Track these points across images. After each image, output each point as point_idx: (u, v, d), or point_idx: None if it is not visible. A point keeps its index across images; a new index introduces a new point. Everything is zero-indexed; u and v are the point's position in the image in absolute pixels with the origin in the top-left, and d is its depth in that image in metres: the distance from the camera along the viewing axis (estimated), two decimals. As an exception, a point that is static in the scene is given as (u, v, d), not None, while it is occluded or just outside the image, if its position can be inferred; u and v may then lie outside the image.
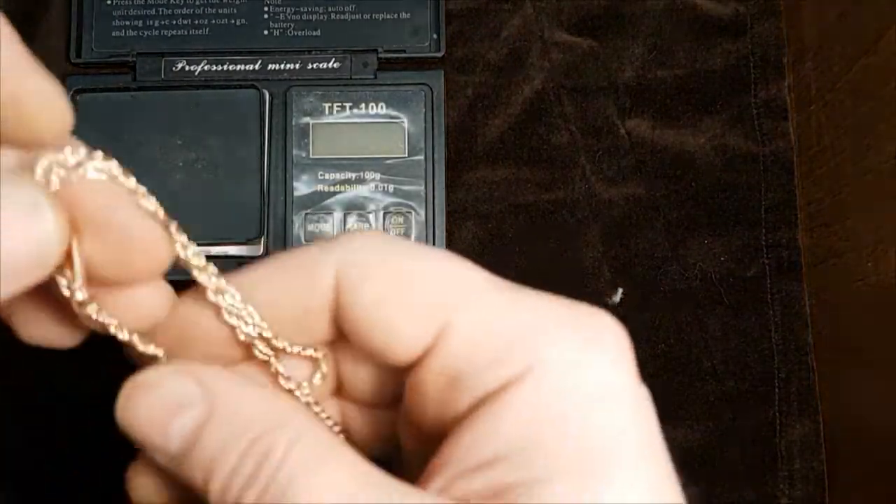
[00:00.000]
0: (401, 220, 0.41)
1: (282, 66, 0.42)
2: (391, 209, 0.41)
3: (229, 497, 0.18)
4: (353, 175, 0.41)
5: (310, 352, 0.21)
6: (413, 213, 0.41)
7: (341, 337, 0.21)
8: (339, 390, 0.23)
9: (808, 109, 0.43)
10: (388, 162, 0.41)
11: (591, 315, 0.19)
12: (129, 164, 0.43)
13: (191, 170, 0.40)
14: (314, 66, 0.42)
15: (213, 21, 0.42)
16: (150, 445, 0.19)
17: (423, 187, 0.41)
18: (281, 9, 0.43)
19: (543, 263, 0.42)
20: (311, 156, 0.41)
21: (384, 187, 0.41)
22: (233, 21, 0.42)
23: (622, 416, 0.18)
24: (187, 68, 0.42)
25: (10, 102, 0.17)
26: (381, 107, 0.42)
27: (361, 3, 0.43)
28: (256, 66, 0.42)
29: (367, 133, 0.41)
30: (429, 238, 0.41)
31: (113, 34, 0.42)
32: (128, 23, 0.42)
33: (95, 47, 0.42)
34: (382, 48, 0.42)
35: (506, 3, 0.45)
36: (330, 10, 0.43)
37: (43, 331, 0.20)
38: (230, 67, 0.42)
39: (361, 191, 0.41)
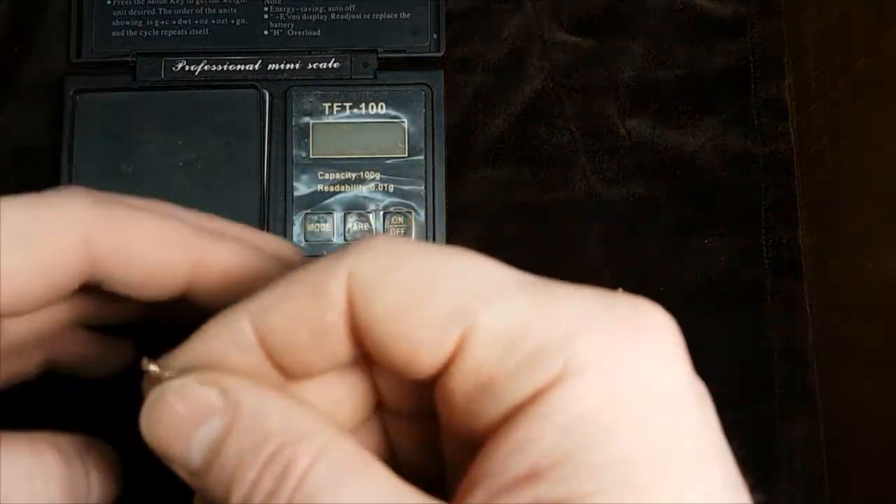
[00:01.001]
0: (401, 219, 0.41)
1: (282, 66, 0.42)
2: (391, 209, 0.41)
3: None
4: (353, 175, 0.41)
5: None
6: (413, 213, 0.41)
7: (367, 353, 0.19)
8: (381, 405, 0.21)
9: (808, 109, 0.43)
10: (388, 162, 0.41)
11: (632, 307, 0.18)
12: (129, 164, 0.44)
13: (191, 170, 0.40)
14: (314, 66, 0.42)
15: (213, 21, 0.42)
16: (172, 460, 0.18)
17: (423, 187, 0.41)
18: (281, 9, 0.43)
19: (543, 263, 0.42)
20: (311, 156, 0.41)
21: (384, 187, 0.41)
22: (233, 21, 0.42)
23: (675, 417, 0.17)
24: (187, 68, 0.42)
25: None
26: (381, 107, 0.42)
27: (361, 3, 0.43)
28: (256, 66, 0.42)
29: (367, 133, 0.41)
30: (429, 238, 0.41)
31: (113, 34, 0.42)
32: (128, 23, 0.42)
33: (95, 47, 0.42)
34: (382, 48, 0.42)
35: (506, 3, 0.45)
36: (330, 10, 0.43)
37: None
38: (230, 67, 0.42)
39: (361, 191, 0.41)
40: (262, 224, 0.40)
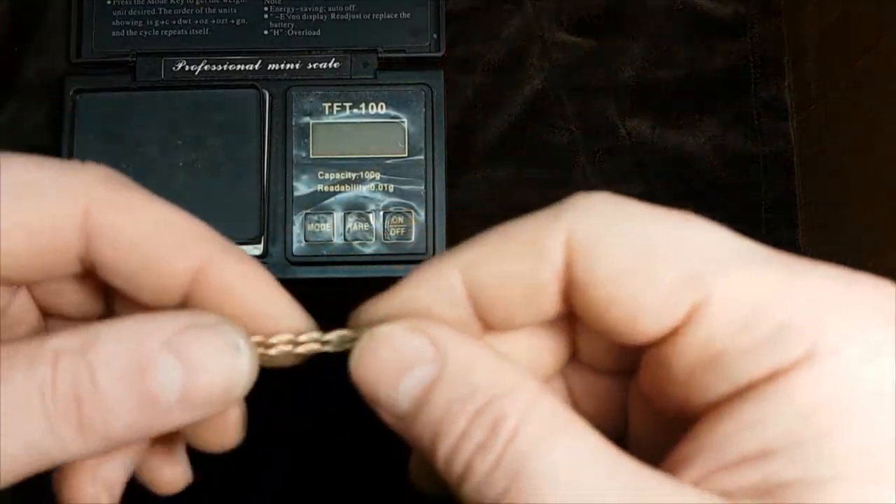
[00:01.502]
0: (401, 219, 0.41)
1: (282, 66, 0.42)
2: (391, 209, 0.41)
3: (458, 462, 0.17)
4: (353, 175, 0.41)
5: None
6: (413, 212, 0.41)
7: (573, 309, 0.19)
8: (574, 357, 0.21)
9: (808, 109, 0.43)
10: (388, 162, 0.41)
11: (877, 289, 0.17)
12: (129, 164, 0.44)
13: (191, 170, 0.40)
14: (314, 66, 0.42)
15: (213, 21, 0.42)
16: (379, 402, 0.18)
17: (423, 187, 0.41)
18: (281, 9, 0.43)
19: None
20: (311, 156, 0.41)
21: (384, 187, 0.41)
22: (233, 21, 0.42)
23: None
24: (187, 68, 0.42)
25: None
26: (381, 107, 0.42)
27: (361, 3, 0.43)
28: (256, 66, 0.42)
29: (367, 133, 0.41)
30: (429, 238, 0.41)
31: (113, 34, 0.42)
32: (128, 23, 0.42)
33: (95, 47, 0.42)
34: (382, 48, 0.42)
35: (506, 3, 0.45)
36: (330, 10, 0.43)
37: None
38: (230, 67, 0.42)
39: (361, 191, 0.41)
40: (262, 224, 0.40)
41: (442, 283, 0.19)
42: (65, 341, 0.17)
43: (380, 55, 0.42)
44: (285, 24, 0.42)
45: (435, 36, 0.43)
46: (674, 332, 0.17)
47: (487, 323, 0.20)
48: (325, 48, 0.42)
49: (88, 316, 0.23)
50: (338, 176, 0.41)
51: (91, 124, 0.41)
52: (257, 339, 0.20)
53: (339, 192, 0.41)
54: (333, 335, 0.20)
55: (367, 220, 0.41)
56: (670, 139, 0.43)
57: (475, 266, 0.19)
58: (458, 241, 0.45)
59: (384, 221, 0.41)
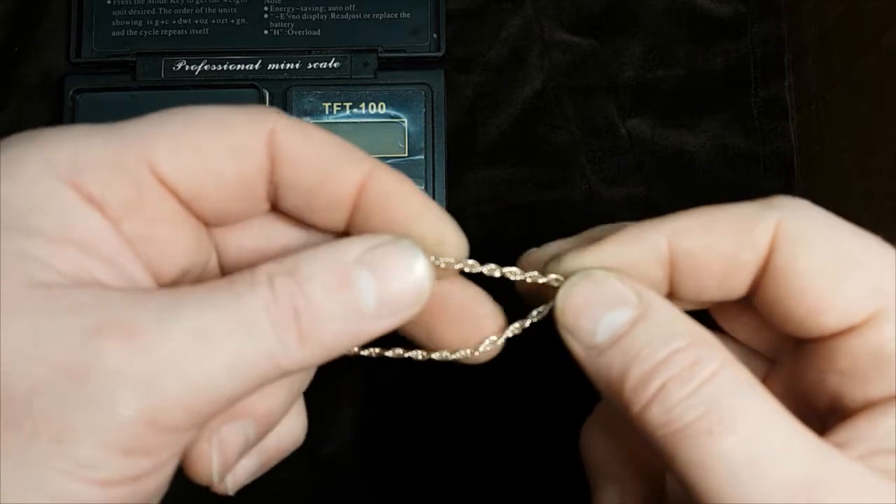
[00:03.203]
0: (401, 220, 0.41)
1: (282, 65, 0.42)
2: (391, 209, 0.41)
3: (652, 384, 0.19)
4: (353, 175, 0.41)
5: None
6: (413, 213, 0.41)
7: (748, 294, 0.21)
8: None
9: (808, 109, 0.43)
10: (389, 162, 0.41)
11: None
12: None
13: (191, 170, 0.40)
14: (314, 65, 0.42)
15: (213, 21, 0.42)
16: (576, 331, 0.21)
17: (423, 187, 0.41)
18: (281, 8, 0.43)
19: (543, 263, 0.42)
20: (311, 156, 0.41)
21: (384, 187, 0.41)
22: (233, 21, 0.42)
23: None
24: (187, 68, 0.42)
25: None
26: (381, 107, 0.42)
27: (361, 3, 0.43)
28: (256, 66, 0.42)
29: (367, 133, 0.41)
30: (429, 238, 0.41)
31: (113, 34, 0.42)
32: (128, 23, 0.42)
33: (95, 47, 0.42)
34: (382, 48, 0.42)
35: (506, 3, 0.45)
36: (330, 9, 0.43)
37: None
38: (230, 67, 0.42)
39: (361, 191, 0.41)
40: (262, 224, 0.40)
41: (647, 245, 0.21)
42: (274, 267, 0.19)
43: (380, 55, 0.42)
44: (285, 24, 0.42)
45: (435, 36, 0.43)
46: (846, 331, 0.20)
47: (674, 291, 0.22)
48: (325, 48, 0.42)
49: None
50: (338, 176, 0.41)
51: (91, 124, 0.40)
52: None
53: (339, 192, 0.41)
54: (505, 270, 0.23)
55: (367, 220, 0.41)
56: (670, 139, 0.43)
57: (684, 234, 0.21)
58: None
59: (384, 221, 0.41)
